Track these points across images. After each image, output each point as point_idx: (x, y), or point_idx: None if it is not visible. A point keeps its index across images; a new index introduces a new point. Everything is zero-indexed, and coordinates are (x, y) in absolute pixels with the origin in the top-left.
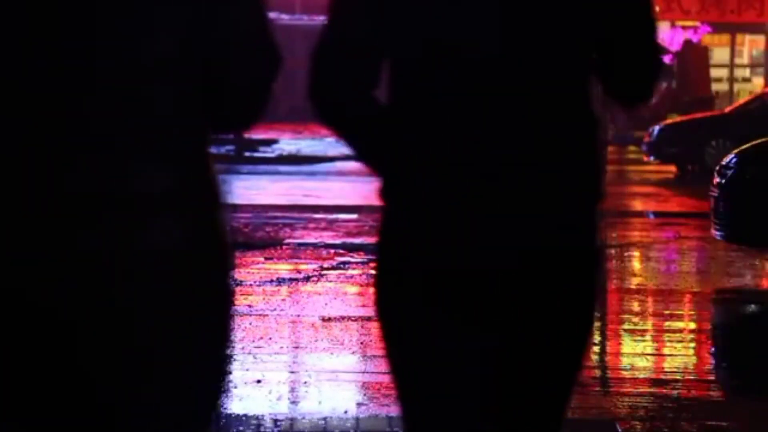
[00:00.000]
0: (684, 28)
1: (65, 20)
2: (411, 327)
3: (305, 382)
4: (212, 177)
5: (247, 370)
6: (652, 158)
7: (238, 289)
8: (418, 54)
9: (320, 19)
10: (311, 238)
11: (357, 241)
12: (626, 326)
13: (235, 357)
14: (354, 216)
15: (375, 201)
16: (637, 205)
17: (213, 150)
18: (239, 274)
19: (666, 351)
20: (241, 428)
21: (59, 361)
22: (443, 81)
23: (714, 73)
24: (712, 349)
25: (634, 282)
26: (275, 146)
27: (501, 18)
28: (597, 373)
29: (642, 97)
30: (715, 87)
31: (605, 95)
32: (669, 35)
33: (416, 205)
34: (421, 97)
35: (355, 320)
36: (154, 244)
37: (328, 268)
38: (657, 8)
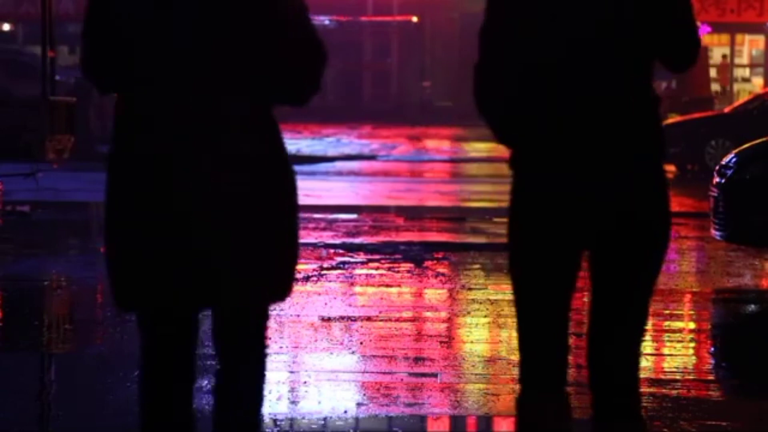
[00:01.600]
0: None
1: (182, 36)
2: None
3: (305, 382)
4: (281, 141)
5: None
6: None
7: None
8: (542, 62)
9: (320, 19)
10: (311, 238)
11: (357, 241)
12: None
13: None
14: (354, 216)
15: (375, 201)
16: None
17: None
18: None
19: (666, 351)
20: None
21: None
22: (558, 79)
23: (713, 73)
24: (712, 349)
25: None
26: None
27: (594, 33)
28: None
29: (687, 63)
30: (714, 87)
31: (660, 62)
32: None
33: (540, 164)
34: (542, 90)
35: (355, 320)
36: (245, 186)
37: (328, 268)
38: None
